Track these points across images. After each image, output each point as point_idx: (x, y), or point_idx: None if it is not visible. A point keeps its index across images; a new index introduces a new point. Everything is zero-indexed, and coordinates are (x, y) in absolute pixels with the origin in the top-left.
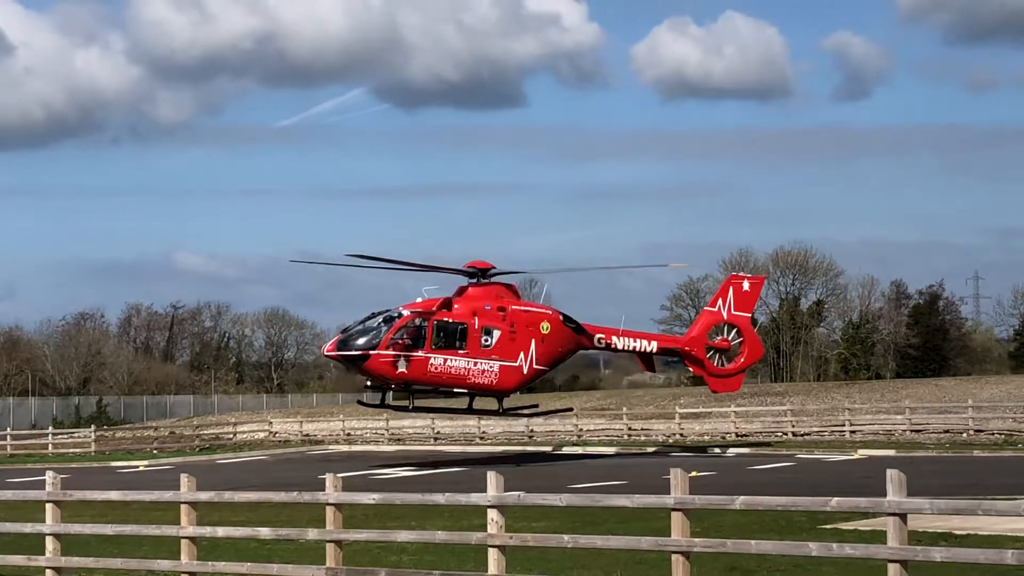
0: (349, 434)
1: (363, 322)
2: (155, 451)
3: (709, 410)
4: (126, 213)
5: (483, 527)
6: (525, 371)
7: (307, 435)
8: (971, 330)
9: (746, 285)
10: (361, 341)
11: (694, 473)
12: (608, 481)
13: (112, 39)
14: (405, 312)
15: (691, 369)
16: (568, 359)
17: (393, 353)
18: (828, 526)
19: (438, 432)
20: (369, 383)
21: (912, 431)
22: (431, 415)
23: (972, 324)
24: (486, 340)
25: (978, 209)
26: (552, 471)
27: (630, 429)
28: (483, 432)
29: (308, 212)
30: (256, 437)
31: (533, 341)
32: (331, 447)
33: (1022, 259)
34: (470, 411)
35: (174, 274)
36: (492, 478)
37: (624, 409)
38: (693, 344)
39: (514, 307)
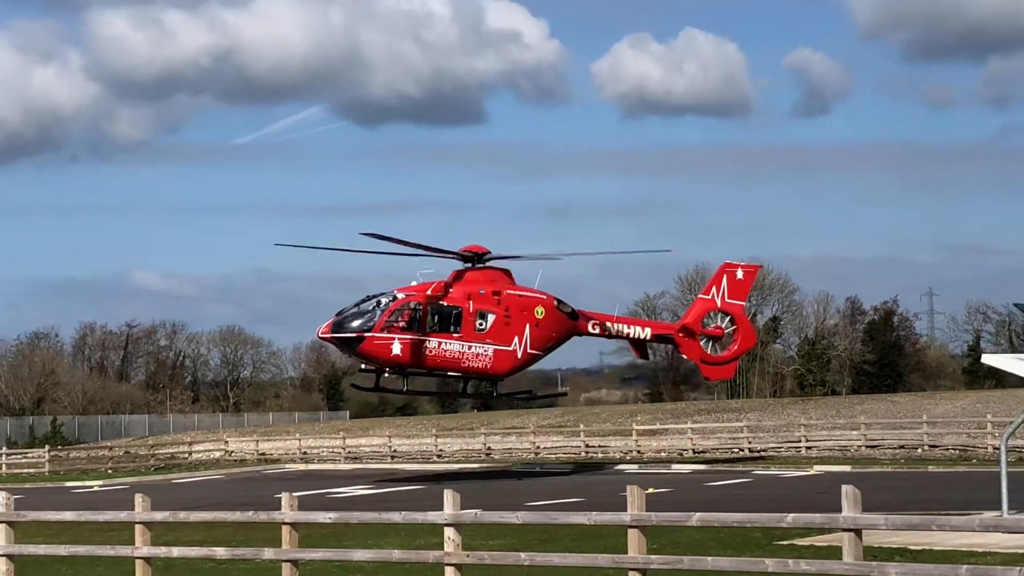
0: (305, 453)
1: (358, 304)
2: (110, 471)
3: (666, 427)
4: (81, 231)
5: (440, 545)
6: (519, 355)
7: (263, 454)
8: (926, 346)
9: (740, 273)
10: (356, 323)
11: (651, 490)
12: (566, 498)
13: (70, 56)
14: (400, 295)
15: (684, 356)
16: (562, 344)
17: (388, 335)
18: (784, 542)
19: (395, 450)
20: (363, 366)
21: (867, 447)
22: (424, 397)
23: (927, 340)
24: (480, 324)
25: (933, 225)
26: (510, 488)
27: (587, 446)
28: (440, 450)
29: (266, 230)
30: (212, 456)
31: (527, 325)
32: (287, 466)
33: (976, 275)
34: (463, 395)
35: (130, 293)
36: (448, 496)
37: (581, 426)
38: (685, 331)
39: (508, 291)
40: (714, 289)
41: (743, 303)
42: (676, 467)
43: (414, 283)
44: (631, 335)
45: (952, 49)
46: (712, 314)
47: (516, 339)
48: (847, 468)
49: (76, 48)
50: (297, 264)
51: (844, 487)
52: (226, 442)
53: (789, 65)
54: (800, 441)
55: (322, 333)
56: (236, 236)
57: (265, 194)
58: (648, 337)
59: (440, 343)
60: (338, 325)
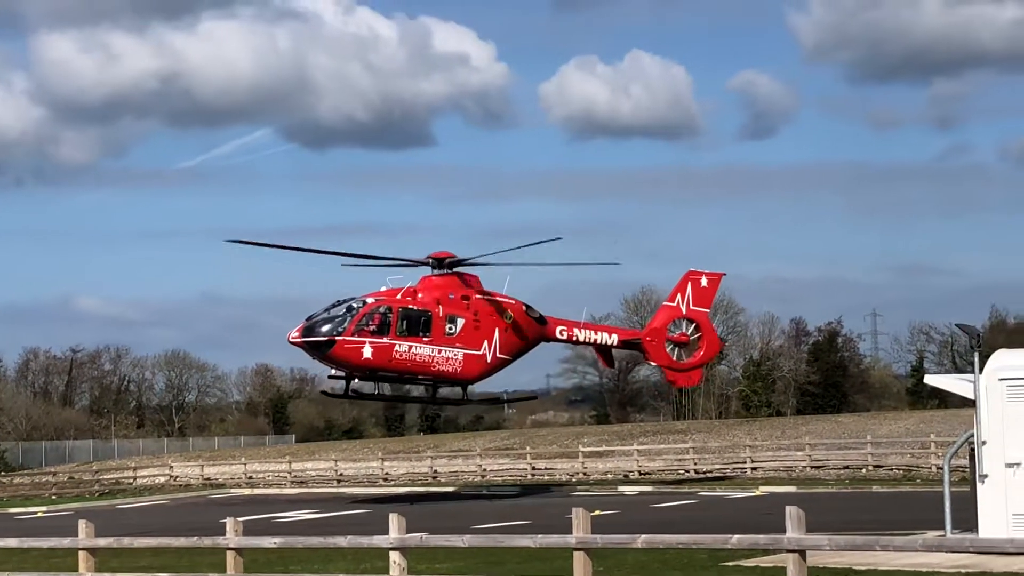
0: (251, 477)
1: (328, 309)
2: (54, 497)
3: (612, 448)
4: (25, 255)
5: (386, 570)
6: (489, 359)
7: (208, 479)
8: (870, 367)
9: (704, 281)
10: (327, 328)
11: (597, 512)
12: (512, 521)
13: (15, 79)
14: (370, 300)
15: (651, 362)
16: (531, 349)
17: (358, 339)
18: (730, 563)
19: (341, 474)
20: (333, 371)
21: (812, 467)
22: (392, 398)
23: (870, 361)
24: (450, 328)
25: (878, 246)
26: (456, 511)
27: (534, 468)
28: (387, 473)
29: (212, 254)
30: (157, 481)
31: (497, 330)
32: (233, 491)
33: (920, 296)
34: (433, 400)
35: (74, 317)
36: (394, 520)
37: (528, 448)
38: (655, 336)
39: (477, 296)
40: (679, 296)
41: (708, 310)
42: (622, 489)
43: (383, 288)
44: (598, 342)
45: (897, 70)
46: (677, 321)
47: (486, 343)
48: (792, 489)
49: (21, 71)
50: (243, 288)
51: (788, 508)
52: (171, 467)
53: (735, 87)
54: (746, 462)
55: (292, 338)
56: (182, 260)
57: (211, 218)
58: (615, 344)
59: (411, 347)
60: (308, 330)
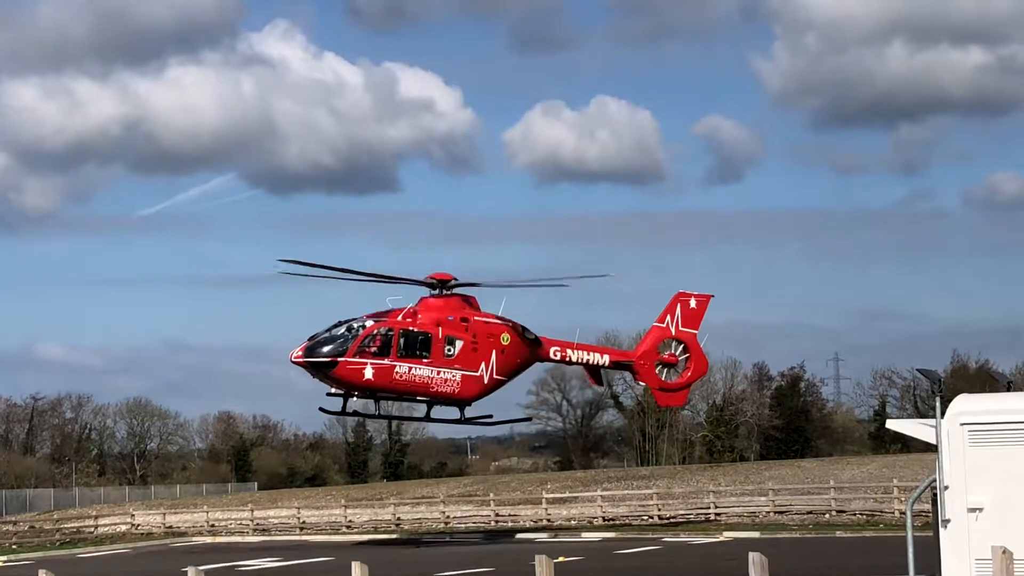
0: (213, 525)
1: (330, 330)
2: (15, 546)
3: (576, 495)
4: None
5: None
6: (486, 380)
7: (170, 527)
8: (832, 411)
9: (693, 303)
10: (329, 348)
11: (560, 559)
12: (475, 568)
13: None
14: (370, 322)
15: (641, 383)
16: (525, 370)
17: (360, 360)
18: None
19: (304, 522)
20: (333, 390)
21: (776, 512)
22: (391, 417)
23: (833, 405)
24: (449, 350)
25: (840, 291)
26: (419, 558)
27: (497, 515)
28: (350, 521)
29: (175, 301)
30: (118, 530)
31: (494, 352)
32: (195, 539)
33: (882, 340)
34: (428, 419)
35: (35, 365)
36: (357, 568)
37: (491, 495)
38: (645, 358)
39: (476, 318)
40: (668, 318)
41: (696, 331)
42: (586, 535)
43: (385, 309)
44: (590, 362)
45: (862, 116)
46: (666, 341)
47: (483, 365)
48: (756, 534)
49: None
50: (206, 336)
51: (751, 554)
52: (133, 515)
53: (701, 132)
54: (709, 508)
55: (295, 358)
56: (145, 307)
57: (174, 265)
58: (606, 364)
59: (410, 368)
60: (311, 350)
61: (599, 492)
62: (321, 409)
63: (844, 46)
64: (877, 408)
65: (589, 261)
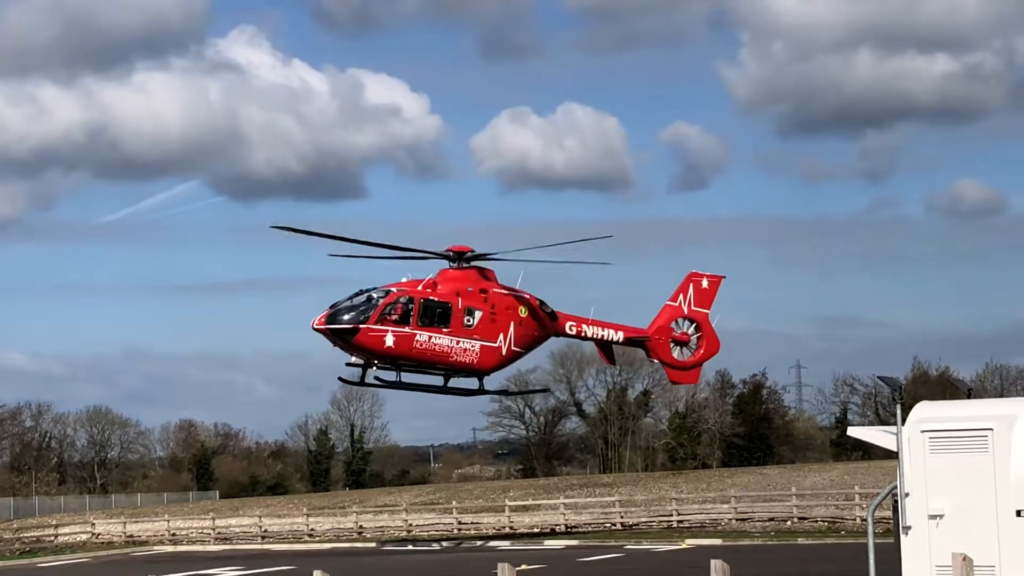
0: (174, 534)
1: (351, 298)
2: None
3: (538, 502)
4: None
5: None
6: (504, 352)
7: (131, 536)
8: (794, 418)
9: (705, 283)
10: (351, 316)
11: (523, 567)
12: None
13: None
14: (393, 290)
15: (654, 360)
16: (542, 343)
17: (382, 328)
18: None
19: (266, 530)
20: (353, 359)
21: (738, 520)
22: (410, 386)
23: (795, 412)
24: (468, 320)
25: (803, 298)
26: (381, 567)
27: (460, 523)
28: (312, 529)
29: (137, 308)
30: (79, 539)
31: (512, 323)
32: (156, 548)
33: (844, 348)
34: (445, 390)
35: None
36: None
37: (454, 503)
38: (662, 334)
39: (495, 290)
40: (681, 297)
41: (708, 311)
42: (548, 543)
43: (404, 279)
44: (604, 337)
45: (828, 124)
46: (679, 320)
47: (501, 336)
48: (718, 542)
49: None
50: (168, 343)
51: (713, 561)
52: (93, 524)
53: (667, 139)
54: (672, 515)
55: (317, 325)
56: (107, 315)
57: (138, 272)
58: (620, 340)
59: (430, 337)
60: (332, 317)
61: (562, 500)
62: (341, 379)
63: (811, 53)
64: (839, 415)
65: (554, 267)
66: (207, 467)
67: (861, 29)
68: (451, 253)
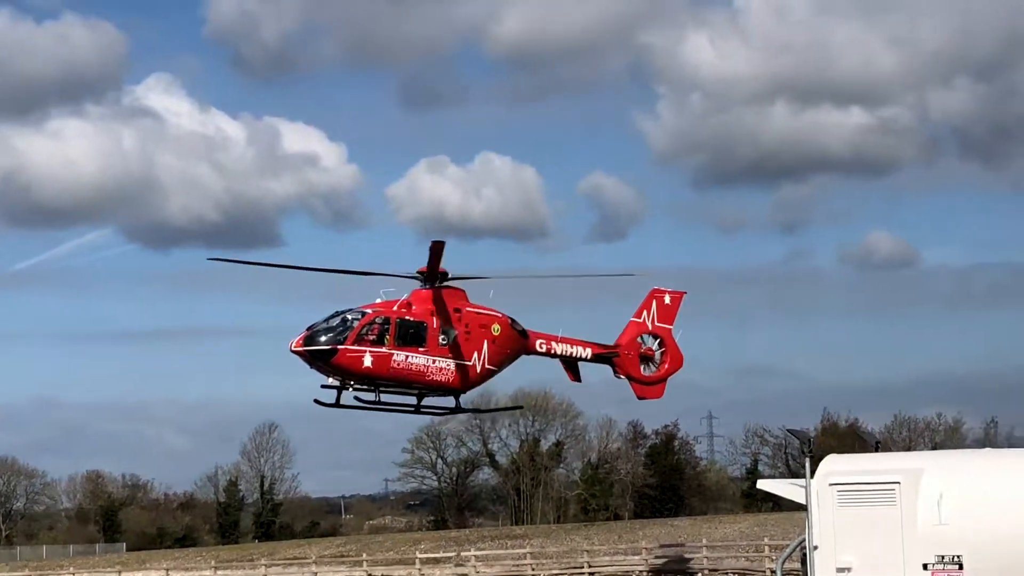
0: None
1: (328, 320)
2: None
3: (449, 554)
4: None
5: None
6: (479, 370)
7: None
8: (706, 469)
9: (667, 299)
10: (328, 336)
11: None
12: None
13: None
14: (368, 311)
15: (620, 376)
16: (513, 362)
17: (359, 348)
18: None
19: None
20: (329, 380)
21: (649, 571)
22: (388, 406)
23: (707, 463)
24: (443, 339)
25: (716, 349)
26: None
27: None
28: None
29: (47, 357)
30: None
31: (485, 342)
32: None
33: (755, 398)
34: (417, 411)
35: None
36: None
37: (364, 555)
38: (630, 349)
39: (468, 309)
40: (645, 313)
41: (671, 327)
42: None
43: (378, 300)
44: (573, 355)
45: (744, 175)
46: (643, 336)
47: (476, 354)
48: None
49: None
50: (77, 392)
51: None
52: None
53: (585, 190)
54: (583, 567)
55: (295, 347)
56: (15, 363)
57: (48, 320)
58: (588, 357)
59: (407, 356)
60: (310, 339)
61: (473, 552)
62: (316, 401)
63: (728, 106)
64: (749, 466)
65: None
66: (114, 519)
67: (777, 82)
68: (421, 274)
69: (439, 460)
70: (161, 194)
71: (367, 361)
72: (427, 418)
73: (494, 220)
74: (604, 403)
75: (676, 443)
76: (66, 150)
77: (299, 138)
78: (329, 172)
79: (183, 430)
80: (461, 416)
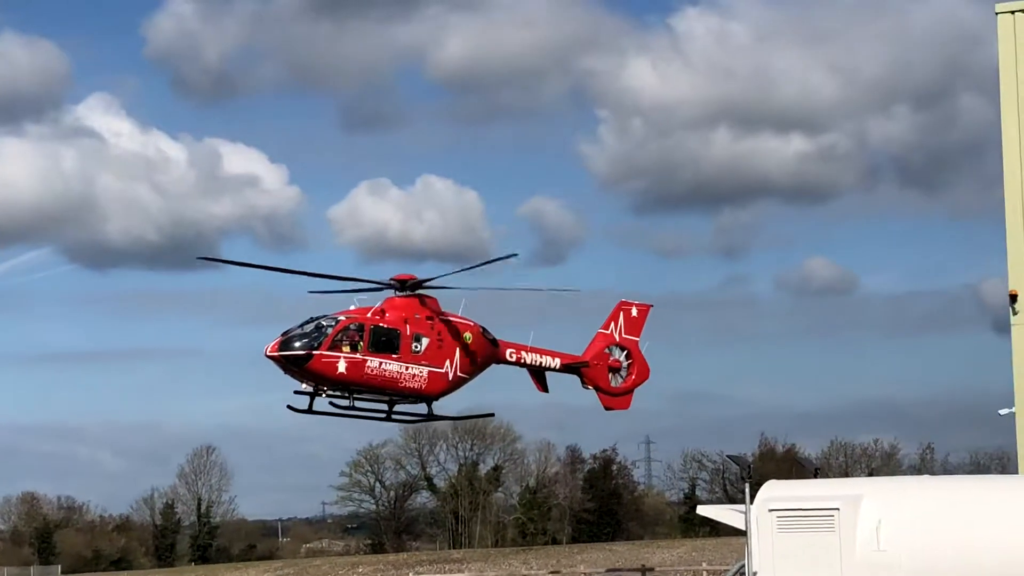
0: None
1: (302, 326)
2: None
3: None
4: None
5: None
6: (451, 377)
7: None
8: (643, 494)
9: (634, 311)
10: (304, 343)
11: None
12: None
13: None
14: (342, 317)
15: (588, 386)
16: (484, 370)
17: (334, 354)
18: None
19: None
20: (304, 386)
21: None
22: (361, 412)
23: (644, 488)
24: (416, 346)
25: (654, 373)
26: None
27: None
28: None
29: None
30: None
31: (458, 350)
32: None
33: (693, 423)
34: (389, 419)
35: None
36: None
37: None
38: (599, 360)
39: (440, 317)
40: (612, 325)
41: (638, 339)
42: None
43: (352, 307)
44: (542, 364)
45: (684, 200)
46: (610, 347)
47: (448, 362)
48: None
49: None
50: (12, 414)
51: None
52: None
53: (526, 213)
54: None
55: (270, 352)
56: None
57: None
58: (556, 367)
59: (381, 363)
60: (285, 344)
61: (411, 575)
62: (289, 407)
63: (669, 131)
64: (687, 491)
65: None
66: (49, 541)
67: (719, 108)
68: (395, 282)
69: (377, 483)
70: (100, 215)
71: (341, 367)
72: (364, 441)
73: (435, 243)
74: (543, 427)
75: (614, 467)
76: (4, 169)
77: (240, 159)
78: (270, 194)
79: (119, 452)
80: (399, 440)
